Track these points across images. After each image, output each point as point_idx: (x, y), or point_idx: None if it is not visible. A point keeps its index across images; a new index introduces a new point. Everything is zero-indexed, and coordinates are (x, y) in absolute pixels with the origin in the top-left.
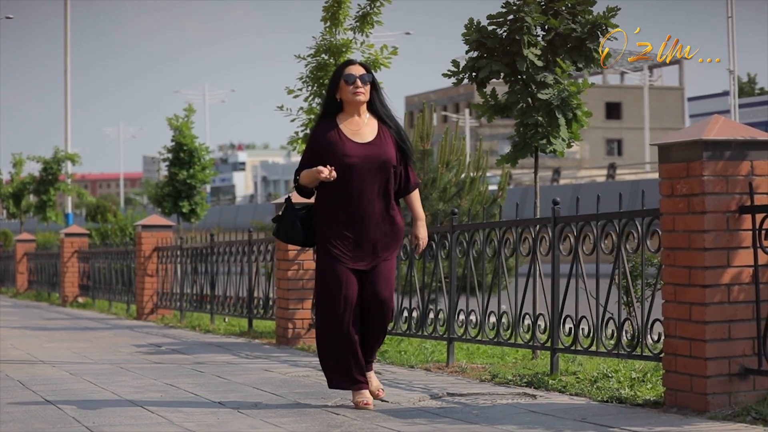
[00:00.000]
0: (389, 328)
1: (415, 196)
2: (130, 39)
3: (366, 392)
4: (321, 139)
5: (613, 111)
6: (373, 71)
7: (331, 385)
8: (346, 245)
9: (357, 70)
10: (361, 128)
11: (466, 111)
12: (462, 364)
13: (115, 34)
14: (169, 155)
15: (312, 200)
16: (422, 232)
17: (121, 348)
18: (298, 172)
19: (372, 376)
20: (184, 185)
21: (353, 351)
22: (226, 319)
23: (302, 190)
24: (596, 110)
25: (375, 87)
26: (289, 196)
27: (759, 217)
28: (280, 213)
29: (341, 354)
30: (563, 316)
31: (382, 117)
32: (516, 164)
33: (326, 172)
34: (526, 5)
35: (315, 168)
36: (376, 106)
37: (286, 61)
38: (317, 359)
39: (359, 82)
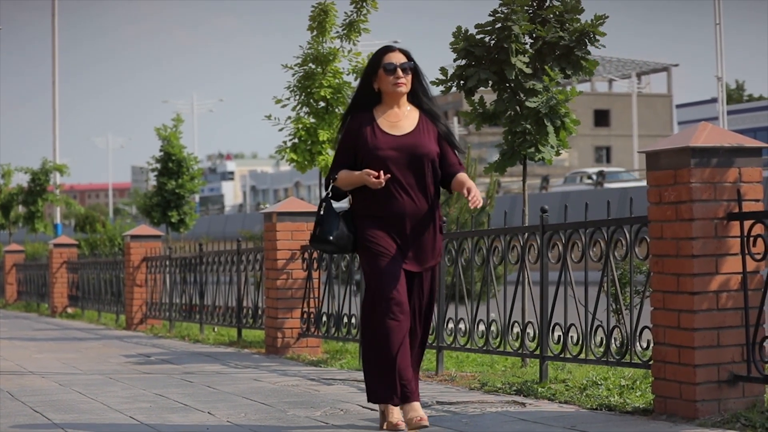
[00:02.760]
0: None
1: (462, 172)
2: (117, 48)
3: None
4: (355, 133)
5: (601, 118)
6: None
7: (371, 399)
8: (390, 243)
9: (397, 58)
10: (400, 120)
11: (455, 119)
12: (451, 372)
13: (103, 43)
14: (158, 165)
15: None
16: (469, 181)
17: (110, 358)
18: (333, 170)
19: (396, 410)
20: (173, 195)
21: (404, 360)
22: (216, 329)
23: (335, 192)
24: (584, 117)
25: (417, 75)
26: (327, 194)
27: (747, 223)
28: (321, 212)
29: (388, 362)
30: (552, 324)
31: (424, 107)
32: (504, 172)
33: (375, 177)
34: (514, 13)
35: (363, 171)
36: (419, 97)
37: (275, 69)
38: (306, 368)
39: (400, 72)
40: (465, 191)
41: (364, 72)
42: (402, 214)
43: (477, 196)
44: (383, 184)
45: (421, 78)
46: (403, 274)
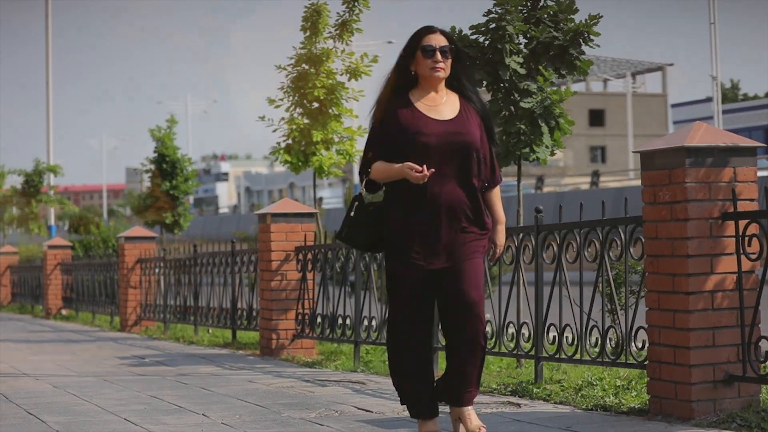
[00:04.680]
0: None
1: (496, 194)
2: (111, 49)
3: (431, 424)
4: (392, 118)
5: (596, 118)
6: (454, 41)
7: (412, 414)
8: (421, 242)
9: (437, 40)
10: (439, 104)
11: None
12: None
13: (97, 44)
14: (152, 166)
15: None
16: (501, 238)
17: (104, 360)
18: (366, 163)
19: (470, 413)
20: (167, 196)
21: (423, 375)
22: (210, 331)
23: (370, 185)
24: (579, 117)
25: (458, 58)
26: (359, 193)
27: (742, 223)
28: (352, 213)
29: (408, 379)
30: (547, 325)
31: (465, 93)
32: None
33: (418, 171)
34: (508, 14)
35: (403, 164)
36: (461, 81)
37: (268, 70)
38: (301, 370)
39: (439, 56)
40: (490, 245)
41: (400, 53)
42: (441, 206)
43: (499, 253)
44: (426, 179)
45: (463, 61)
46: (427, 288)
